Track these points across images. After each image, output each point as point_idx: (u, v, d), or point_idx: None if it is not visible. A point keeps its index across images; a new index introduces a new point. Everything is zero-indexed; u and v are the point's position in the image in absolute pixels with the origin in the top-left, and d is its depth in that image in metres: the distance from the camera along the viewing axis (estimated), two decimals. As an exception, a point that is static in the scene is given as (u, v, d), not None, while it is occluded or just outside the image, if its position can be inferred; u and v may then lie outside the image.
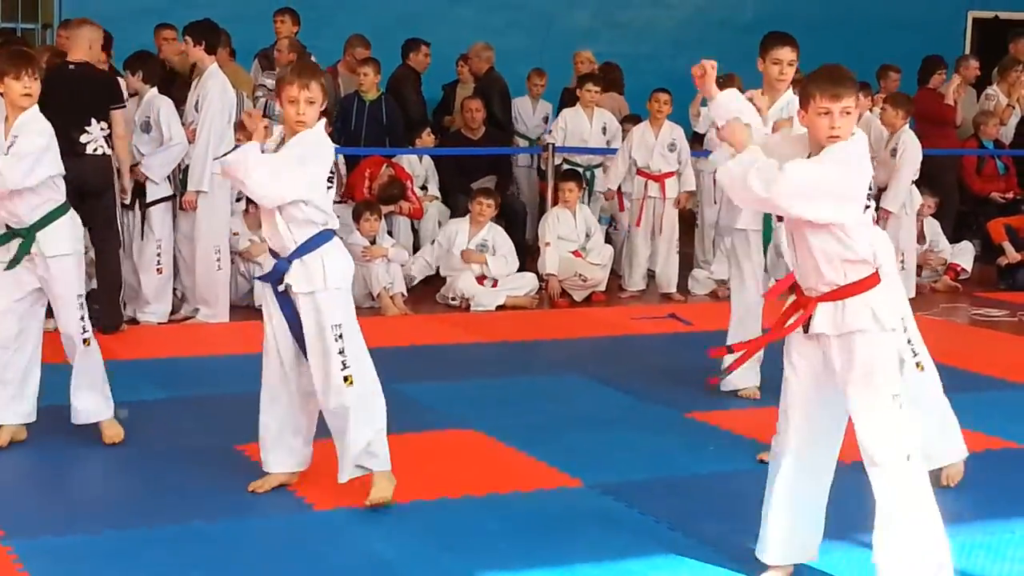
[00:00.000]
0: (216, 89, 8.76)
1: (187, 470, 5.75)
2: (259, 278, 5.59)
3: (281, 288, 5.15)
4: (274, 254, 5.23)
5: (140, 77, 8.79)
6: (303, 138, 5.08)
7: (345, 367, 5.09)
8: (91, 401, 6.03)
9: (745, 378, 7.00)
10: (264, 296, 5.33)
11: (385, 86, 11.48)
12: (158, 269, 8.82)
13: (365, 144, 10.80)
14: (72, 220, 5.92)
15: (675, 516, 5.28)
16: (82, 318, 5.92)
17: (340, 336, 5.09)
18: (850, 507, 4.83)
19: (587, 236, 10.36)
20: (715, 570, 4.80)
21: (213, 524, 5.08)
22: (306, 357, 5.19)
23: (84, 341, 5.93)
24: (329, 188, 5.14)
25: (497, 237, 10.02)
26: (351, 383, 5.09)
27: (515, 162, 11.86)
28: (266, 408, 5.38)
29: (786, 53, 7.07)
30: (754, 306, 6.92)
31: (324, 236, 5.13)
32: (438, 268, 10.38)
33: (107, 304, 8.40)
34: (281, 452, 5.39)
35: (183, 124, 8.82)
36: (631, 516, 5.32)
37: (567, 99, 11.96)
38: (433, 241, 9.97)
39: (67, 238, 5.85)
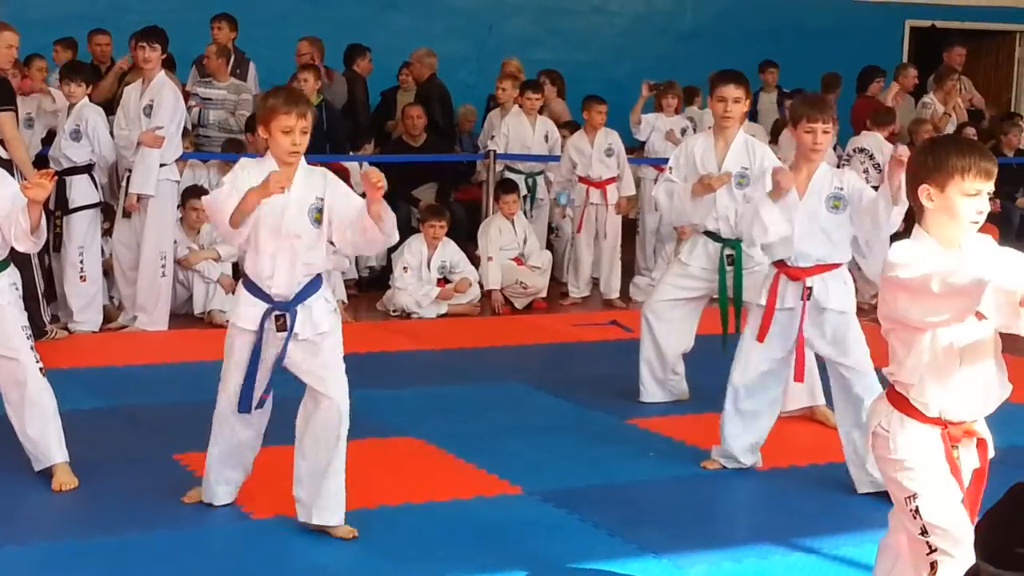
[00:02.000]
0: (169, 96, 8.75)
1: (124, 480, 5.67)
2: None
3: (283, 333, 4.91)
4: (262, 294, 4.92)
5: (81, 86, 8.74)
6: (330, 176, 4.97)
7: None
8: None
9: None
10: (246, 343, 4.97)
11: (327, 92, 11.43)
12: (81, 277, 8.73)
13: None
14: None
15: (615, 523, 5.28)
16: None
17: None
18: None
19: (525, 242, 10.38)
20: (655, 576, 4.81)
21: (150, 535, 5.02)
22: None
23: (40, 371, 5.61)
24: None
25: (454, 255, 10.00)
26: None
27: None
28: (216, 439, 5.20)
29: (731, 90, 6.79)
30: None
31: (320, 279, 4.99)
32: (380, 271, 10.42)
33: (27, 312, 8.27)
34: (222, 486, 5.28)
35: (125, 128, 8.75)
36: (571, 523, 5.31)
37: (493, 105, 11.96)
38: (406, 268, 9.86)
39: None
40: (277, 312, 4.88)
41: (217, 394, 5.13)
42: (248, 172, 4.89)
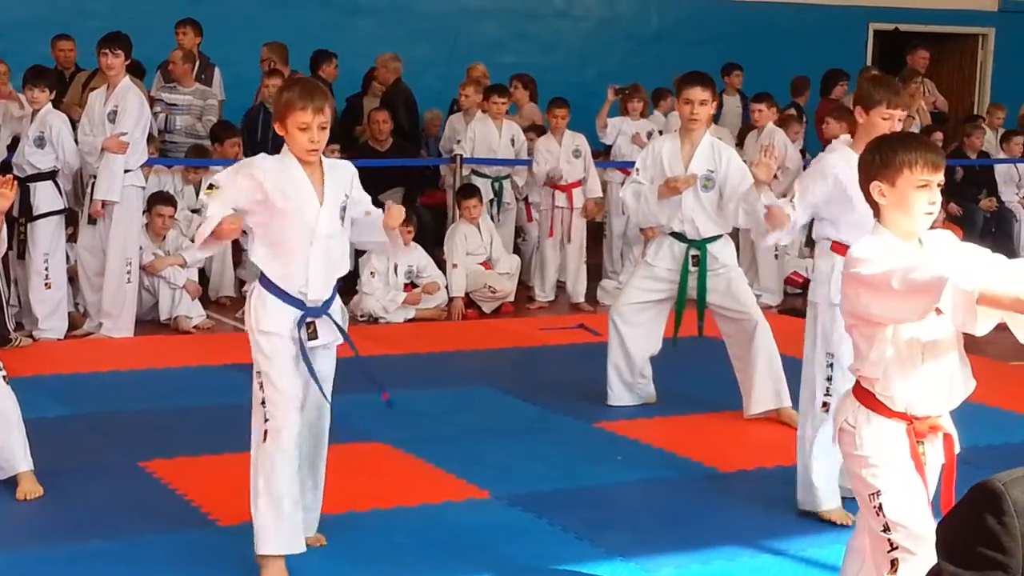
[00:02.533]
0: (134, 102, 8.72)
1: (89, 488, 5.64)
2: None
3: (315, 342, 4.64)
4: (293, 300, 4.58)
5: (45, 92, 8.70)
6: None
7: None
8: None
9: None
10: (287, 349, 4.58)
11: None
12: (46, 284, 8.69)
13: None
14: None
15: (583, 526, 5.28)
16: None
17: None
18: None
19: (491, 245, 10.39)
20: (623, 579, 4.81)
21: (115, 542, 4.99)
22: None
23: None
24: None
25: (421, 260, 9.99)
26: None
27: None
28: (272, 480, 4.58)
29: (696, 93, 6.84)
30: None
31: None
32: (348, 276, 10.39)
33: None
34: (298, 527, 4.70)
35: (89, 134, 8.71)
36: (539, 527, 5.31)
37: (456, 110, 11.97)
38: (373, 274, 9.84)
39: None
40: (309, 319, 4.59)
41: (253, 430, 4.60)
42: (264, 171, 4.52)
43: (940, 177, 3.64)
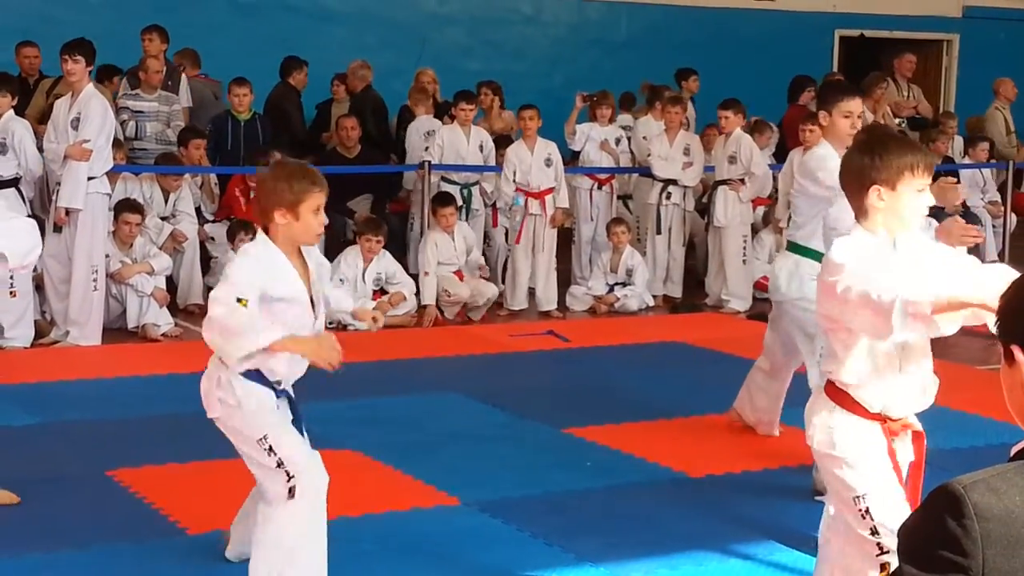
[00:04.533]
0: (98, 109, 8.68)
1: (57, 497, 5.61)
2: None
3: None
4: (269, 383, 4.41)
5: (7, 97, 8.66)
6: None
7: (290, 478, 4.36)
8: None
9: None
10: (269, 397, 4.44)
11: (264, 104, 11.38)
12: (11, 292, 8.64)
13: (245, 164, 10.69)
14: None
15: (553, 532, 5.29)
16: None
17: (270, 448, 4.38)
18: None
19: (467, 253, 10.36)
20: (592, 585, 4.82)
21: (84, 552, 4.97)
22: None
23: None
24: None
25: (390, 267, 9.97)
26: (292, 495, 4.38)
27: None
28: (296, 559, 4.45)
29: (857, 105, 6.10)
30: None
31: None
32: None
33: None
34: None
35: (54, 141, 8.69)
36: (509, 533, 5.31)
37: (405, 115, 11.97)
38: (342, 280, 9.82)
39: None
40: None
41: (267, 491, 4.40)
42: (262, 265, 4.26)
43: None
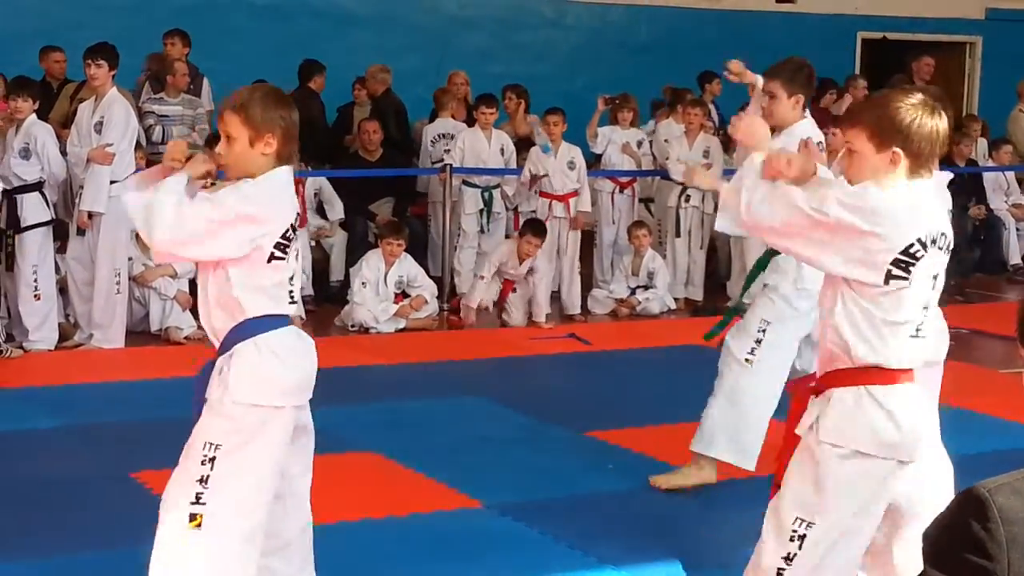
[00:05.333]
0: (121, 113, 8.73)
1: (80, 499, 5.64)
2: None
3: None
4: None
5: (28, 102, 8.70)
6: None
7: (198, 500, 3.77)
8: None
9: None
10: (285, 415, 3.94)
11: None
12: (36, 295, 8.68)
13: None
14: None
15: (575, 535, 5.29)
16: None
17: (212, 459, 3.78)
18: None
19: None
20: (614, 588, 4.82)
21: (109, 553, 4.99)
22: None
23: None
24: (280, 258, 3.82)
25: (411, 270, 9.99)
26: (197, 524, 3.78)
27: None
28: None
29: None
30: None
31: (254, 325, 3.82)
32: (339, 286, 10.45)
33: None
34: None
35: (77, 145, 8.73)
36: (531, 536, 5.32)
37: (433, 118, 11.99)
38: (364, 284, 9.84)
39: None
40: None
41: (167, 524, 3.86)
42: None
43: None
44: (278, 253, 3.78)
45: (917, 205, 3.43)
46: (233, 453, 3.77)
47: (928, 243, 3.42)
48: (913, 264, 3.39)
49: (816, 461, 3.45)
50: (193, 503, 3.75)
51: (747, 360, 5.64)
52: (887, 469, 3.45)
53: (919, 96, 3.50)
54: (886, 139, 3.39)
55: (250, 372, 3.80)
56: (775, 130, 5.72)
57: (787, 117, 5.70)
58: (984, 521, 1.77)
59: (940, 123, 3.45)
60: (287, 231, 3.80)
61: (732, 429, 5.76)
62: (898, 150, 3.39)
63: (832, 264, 3.42)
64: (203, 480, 3.75)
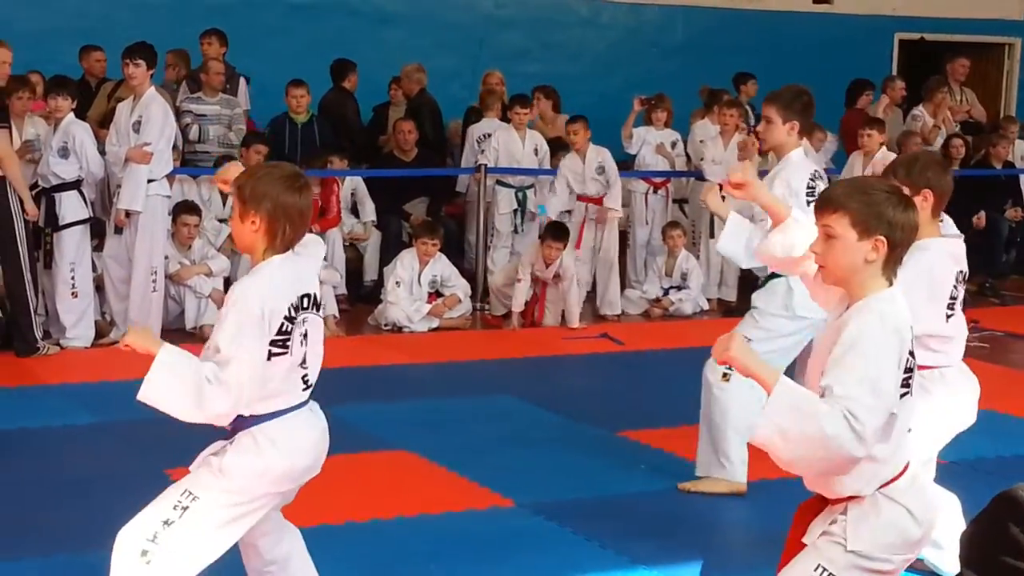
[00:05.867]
0: (159, 112, 8.78)
1: (116, 495, 5.66)
2: None
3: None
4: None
5: (67, 100, 8.75)
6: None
7: (154, 539, 3.79)
8: None
9: None
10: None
11: (318, 108, 11.44)
12: (73, 293, 8.74)
13: (301, 166, 10.73)
14: None
15: (607, 535, 5.29)
16: None
17: (184, 508, 3.79)
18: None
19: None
20: (647, 588, 4.82)
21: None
22: None
23: None
24: (280, 353, 3.70)
25: (445, 270, 10.01)
26: (148, 561, 3.79)
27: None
28: None
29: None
30: None
31: (258, 418, 3.76)
32: (373, 286, 10.48)
33: (19, 328, 8.35)
34: None
35: (116, 144, 8.79)
36: (563, 535, 5.32)
37: (471, 117, 11.99)
38: (398, 283, 9.86)
39: None
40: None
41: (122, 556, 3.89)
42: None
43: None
44: (275, 350, 3.67)
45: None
46: (208, 513, 3.75)
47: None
48: (910, 376, 3.25)
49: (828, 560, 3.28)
50: (149, 540, 3.76)
51: (725, 375, 5.67)
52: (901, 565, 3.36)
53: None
54: (870, 227, 3.25)
55: (245, 464, 3.75)
56: (769, 153, 5.75)
57: (782, 142, 5.72)
58: (1021, 523, 1.76)
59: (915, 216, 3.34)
60: (282, 325, 3.67)
61: (716, 448, 5.86)
62: (881, 238, 3.26)
63: None
64: (167, 523, 3.77)
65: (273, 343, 3.66)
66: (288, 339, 3.68)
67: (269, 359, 3.66)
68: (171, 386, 3.76)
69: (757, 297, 5.76)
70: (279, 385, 3.72)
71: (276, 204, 3.68)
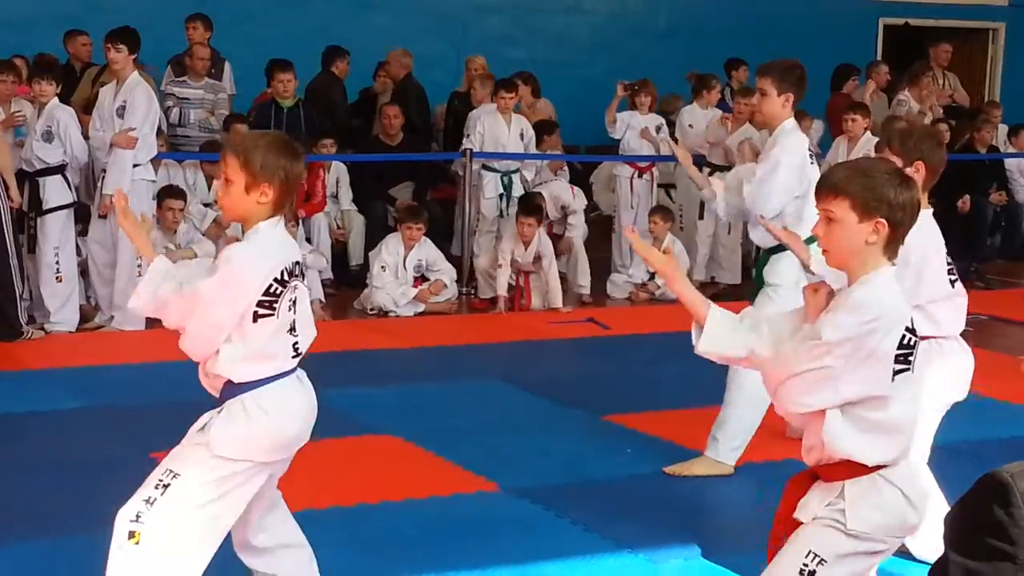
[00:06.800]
0: (143, 97, 8.75)
1: (101, 479, 5.66)
2: None
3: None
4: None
5: (52, 85, 8.72)
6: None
7: (137, 518, 3.75)
8: None
9: None
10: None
11: (305, 92, 11.41)
12: (57, 277, 8.72)
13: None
14: None
15: (592, 519, 5.30)
16: None
17: (165, 486, 3.76)
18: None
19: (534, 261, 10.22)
20: (632, 572, 4.83)
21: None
22: None
23: None
24: (266, 315, 3.71)
25: (431, 254, 10.00)
26: (136, 541, 3.76)
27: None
28: None
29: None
30: None
31: (247, 385, 3.77)
32: (359, 270, 10.48)
33: (4, 313, 8.34)
34: None
35: (99, 129, 8.76)
36: (548, 519, 5.33)
37: (455, 102, 11.95)
38: (384, 267, 9.86)
39: None
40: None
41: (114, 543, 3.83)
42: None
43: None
44: (261, 311, 3.68)
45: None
46: (191, 489, 3.72)
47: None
48: (911, 352, 3.28)
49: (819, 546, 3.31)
50: (133, 520, 3.74)
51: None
52: (891, 549, 3.37)
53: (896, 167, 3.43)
54: (870, 209, 3.25)
55: (234, 431, 3.73)
56: (763, 126, 5.76)
57: (776, 115, 5.75)
58: (1007, 506, 1.77)
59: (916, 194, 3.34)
60: (271, 286, 3.69)
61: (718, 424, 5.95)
62: (882, 220, 3.25)
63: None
64: (148, 501, 3.74)
65: (260, 304, 3.68)
66: (276, 301, 3.69)
67: (255, 321, 3.68)
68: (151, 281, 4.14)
69: (768, 275, 5.74)
70: (267, 348, 3.72)
71: (287, 174, 3.72)
